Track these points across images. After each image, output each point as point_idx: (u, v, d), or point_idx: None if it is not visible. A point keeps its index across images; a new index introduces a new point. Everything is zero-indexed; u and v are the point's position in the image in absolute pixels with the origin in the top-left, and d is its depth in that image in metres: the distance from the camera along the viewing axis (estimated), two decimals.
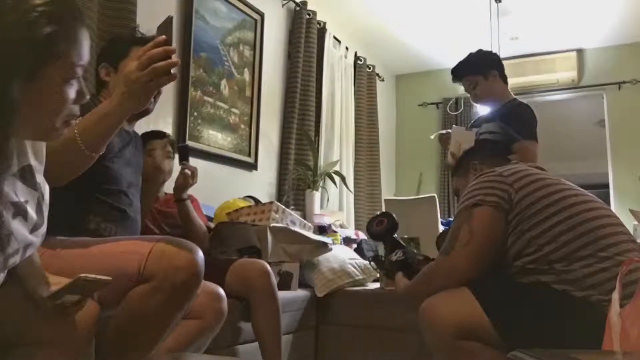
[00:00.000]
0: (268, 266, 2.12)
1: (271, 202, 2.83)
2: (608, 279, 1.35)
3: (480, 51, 2.83)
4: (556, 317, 1.38)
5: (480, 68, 2.74)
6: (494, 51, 4.04)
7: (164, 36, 1.15)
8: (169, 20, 1.21)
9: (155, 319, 1.27)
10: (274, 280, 2.12)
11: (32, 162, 0.98)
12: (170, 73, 1.16)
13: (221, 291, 1.78)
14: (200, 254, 1.33)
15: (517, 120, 2.65)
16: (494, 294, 1.46)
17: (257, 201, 3.13)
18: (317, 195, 3.71)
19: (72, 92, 0.89)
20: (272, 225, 2.63)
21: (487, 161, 1.81)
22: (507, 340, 1.35)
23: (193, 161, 2.56)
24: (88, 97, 0.96)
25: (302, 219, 3.05)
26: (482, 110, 3.16)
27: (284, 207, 2.86)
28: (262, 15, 3.61)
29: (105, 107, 1.23)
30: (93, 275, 0.96)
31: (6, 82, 0.76)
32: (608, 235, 1.46)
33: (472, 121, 3.10)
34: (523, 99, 2.90)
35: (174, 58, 1.15)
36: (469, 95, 2.86)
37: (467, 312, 1.43)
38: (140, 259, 1.26)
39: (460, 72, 2.77)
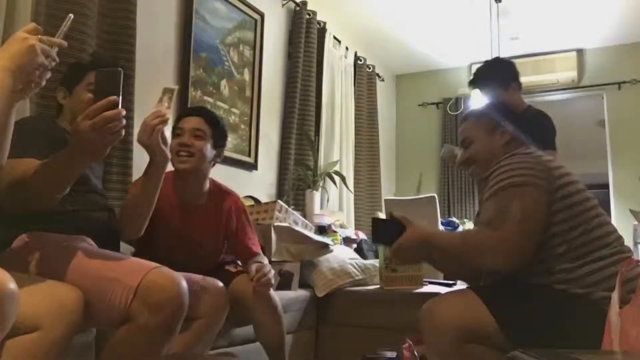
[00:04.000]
0: (276, 298, 1.96)
1: (274, 202, 2.84)
2: (609, 277, 1.36)
3: (499, 61, 2.78)
4: (561, 316, 1.38)
5: (502, 80, 2.68)
6: (496, 55, 4.06)
7: (115, 97, 1.17)
8: (117, 72, 1.20)
9: (146, 353, 1.30)
10: (273, 296, 1.95)
11: None
12: (120, 133, 1.20)
13: (221, 285, 1.79)
14: (184, 286, 1.34)
15: (537, 130, 2.59)
16: (499, 293, 1.46)
17: (257, 201, 3.13)
18: (317, 195, 3.71)
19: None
20: (276, 224, 2.63)
21: (514, 133, 1.70)
22: (513, 340, 1.34)
23: None
24: None
25: (304, 219, 3.05)
26: None
27: (287, 206, 2.87)
28: (262, 15, 3.61)
29: (64, 159, 1.26)
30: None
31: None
32: (615, 240, 1.48)
33: None
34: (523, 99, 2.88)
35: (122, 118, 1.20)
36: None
37: (471, 313, 1.42)
38: (128, 293, 1.28)
39: (480, 82, 2.73)
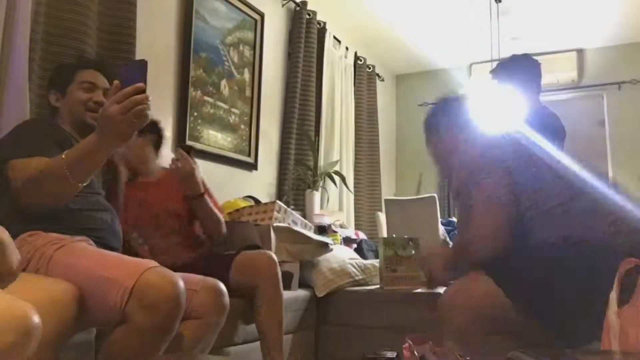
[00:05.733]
0: (274, 256, 2.12)
1: (273, 202, 2.84)
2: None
3: (527, 59, 2.73)
4: (566, 269, 1.44)
5: (523, 78, 2.64)
6: (489, 55, 4.04)
7: (142, 84, 1.25)
8: (144, 62, 1.29)
9: (143, 353, 1.29)
10: (279, 270, 2.11)
11: None
12: (147, 116, 1.28)
13: (221, 285, 1.78)
14: (181, 285, 1.33)
15: (547, 131, 2.56)
16: (507, 269, 1.51)
17: (257, 201, 3.13)
18: (317, 195, 3.71)
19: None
20: (275, 225, 2.63)
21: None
22: (524, 310, 1.41)
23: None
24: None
25: (303, 219, 3.05)
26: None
27: (285, 207, 2.87)
28: (262, 15, 3.61)
29: (91, 144, 1.32)
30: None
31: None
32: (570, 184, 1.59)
33: None
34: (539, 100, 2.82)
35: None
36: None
37: (486, 298, 1.49)
38: (124, 294, 1.27)
39: (501, 74, 2.70)
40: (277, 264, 2.09)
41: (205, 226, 2.17)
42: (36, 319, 0.92)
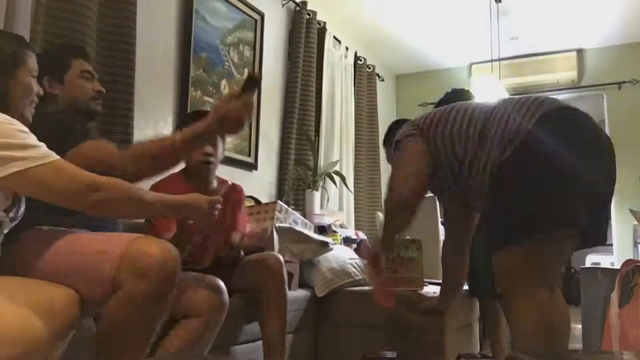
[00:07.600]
0: (281, 257, 2.17)
1: (275, 202, 2.84)
2: None
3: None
4: None
5: None
6: (489, 55, 4.03)
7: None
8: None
9: (138, 325, 1.27)
10: (285, 271, 2.15)
11: None
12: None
13: (221, 283, 1.78)
14: (173, 251, 1.31)
15: None
16: None
17: (257, 201, 3.13)
18: (317, 195, 3.71)
19: (34, 86, 1.42)
20: (277, 225, 2.63)
21: None
22: None
23: None
24: (40, 91, 1.44)
25: (304, 219, 3.05)
26: None
27: (286, 207, 2.87)
28: (262, 15, 3.61)
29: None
30: None
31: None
32: None
33: None
34: None
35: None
36: None
37: None
38: (113, 262, 1.25)
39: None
40: (283, 265, 2.13)
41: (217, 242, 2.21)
42: (45, 332, 0.98)
